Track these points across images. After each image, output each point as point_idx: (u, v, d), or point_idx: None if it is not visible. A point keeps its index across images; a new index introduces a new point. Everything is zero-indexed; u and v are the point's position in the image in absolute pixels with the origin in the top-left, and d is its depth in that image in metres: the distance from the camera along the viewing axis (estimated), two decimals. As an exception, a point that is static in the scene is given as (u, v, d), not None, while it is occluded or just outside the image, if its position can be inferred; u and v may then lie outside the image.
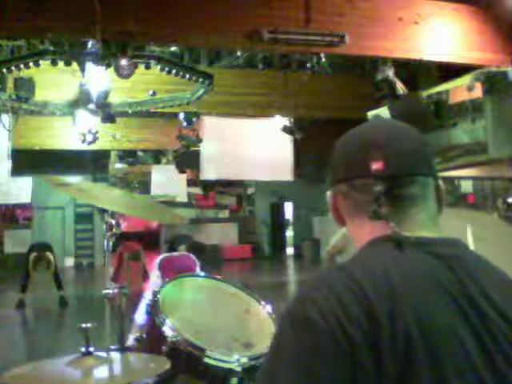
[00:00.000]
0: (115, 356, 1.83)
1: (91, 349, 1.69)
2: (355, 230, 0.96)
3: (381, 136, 0.94)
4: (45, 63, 6.16)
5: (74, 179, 2.30)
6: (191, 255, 5.02)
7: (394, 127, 0.98)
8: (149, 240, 9.42)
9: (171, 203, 10.81)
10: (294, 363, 0.75)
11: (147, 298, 2.11)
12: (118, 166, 14.16)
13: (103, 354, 1.76)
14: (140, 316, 2.08)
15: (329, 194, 1.00)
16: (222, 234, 17.93)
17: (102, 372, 1.68)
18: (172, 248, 5.59)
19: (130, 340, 2.04)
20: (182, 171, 11.50)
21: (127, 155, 13.47)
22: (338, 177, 0.97)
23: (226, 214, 18.80)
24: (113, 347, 1.90)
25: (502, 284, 0.88)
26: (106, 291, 2.03)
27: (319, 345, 0.75)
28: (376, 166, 0.90)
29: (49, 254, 9.19)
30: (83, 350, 1.69)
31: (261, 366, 0.84)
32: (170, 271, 4.24)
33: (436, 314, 0.78)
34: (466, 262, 0.87)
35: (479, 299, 0.82)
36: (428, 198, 0.93)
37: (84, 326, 1.69)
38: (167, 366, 1.66)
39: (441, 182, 0.97)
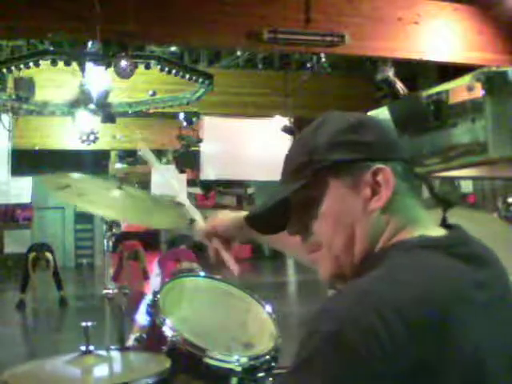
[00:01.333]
0: (115, 355, 1.83)
1: (91, 347, 1.69)
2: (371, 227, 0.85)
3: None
4: (45, 63, 6.17)
5: (75, 175, 2.28)
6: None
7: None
8: (149, 240, 9.43)
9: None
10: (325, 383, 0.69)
11: (147, 297, 2.12)
12: (118, 165, 14.16)
13: (103, 353, 1.76)
14: (141, 316, 2.08)
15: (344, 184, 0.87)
16: (222, 234, 17.92)
17: (101, 370, 1.68)
18: (172, 248, 5.60)
19: (131, 340, 2.04)
20: (182, 171, 11.50)
21: (127, 155, 13.47)
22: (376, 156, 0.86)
23: (225, 214, 18.79)
24: (112, 347, 1.90)
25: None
26: (106, 291, 2.03)
27: (356, 369, 0.68)
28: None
29: (47, 254, 9.21)
30: (83, 348, 1.69)
31: (284, 381, 0.78)
32: (170, 263, 4.27)
33: (479, 328, 0.74)
34: (483, 259, 0.83)
35: (505, 301, 0.81)
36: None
37: (85, 324, 1.69)
38: (167, 364, 1.66)
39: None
